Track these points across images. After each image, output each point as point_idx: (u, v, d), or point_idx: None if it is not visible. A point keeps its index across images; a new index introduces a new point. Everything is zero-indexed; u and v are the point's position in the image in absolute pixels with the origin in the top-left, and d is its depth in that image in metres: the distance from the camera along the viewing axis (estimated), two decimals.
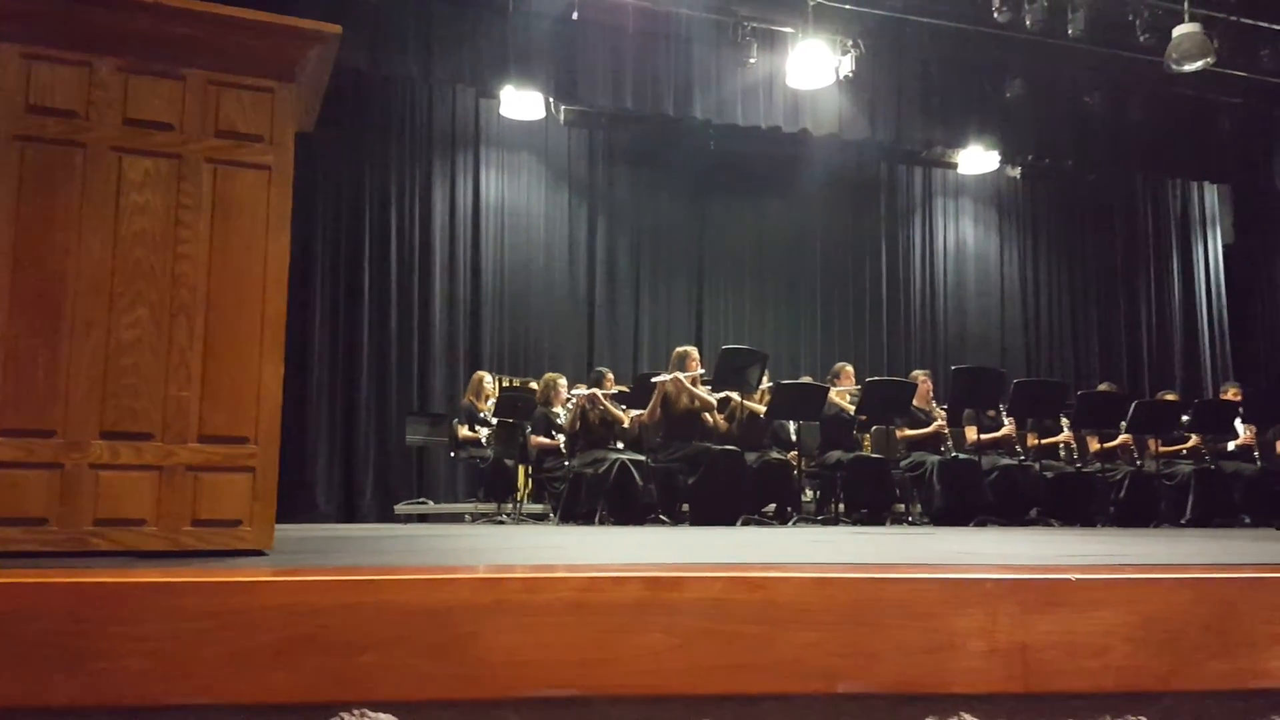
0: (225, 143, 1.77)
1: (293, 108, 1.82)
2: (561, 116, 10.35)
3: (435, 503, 8.80)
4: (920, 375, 7.95)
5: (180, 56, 1.77)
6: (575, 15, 8.48)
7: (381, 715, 1.10)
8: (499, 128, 10.22)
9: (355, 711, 1.10)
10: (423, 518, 8.39)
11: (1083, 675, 1.18)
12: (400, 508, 8.47)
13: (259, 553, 1.73)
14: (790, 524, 6.58)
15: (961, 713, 1.18)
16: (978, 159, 11.21)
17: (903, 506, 7.67)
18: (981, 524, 6.79)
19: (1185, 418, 8.10)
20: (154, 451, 1.71)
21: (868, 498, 7.22)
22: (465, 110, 10.17)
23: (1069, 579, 1.19)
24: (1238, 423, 8.24)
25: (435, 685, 1.11)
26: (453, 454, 8.50)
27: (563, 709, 1.13)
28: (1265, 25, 9.01)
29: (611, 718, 1.14)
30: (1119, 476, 7.82)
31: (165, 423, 1.72)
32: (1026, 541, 2.95)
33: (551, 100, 9.81)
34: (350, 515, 8.96)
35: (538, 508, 8.21)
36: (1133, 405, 7.79)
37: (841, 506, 7.22)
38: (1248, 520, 7.55)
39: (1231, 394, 8.54)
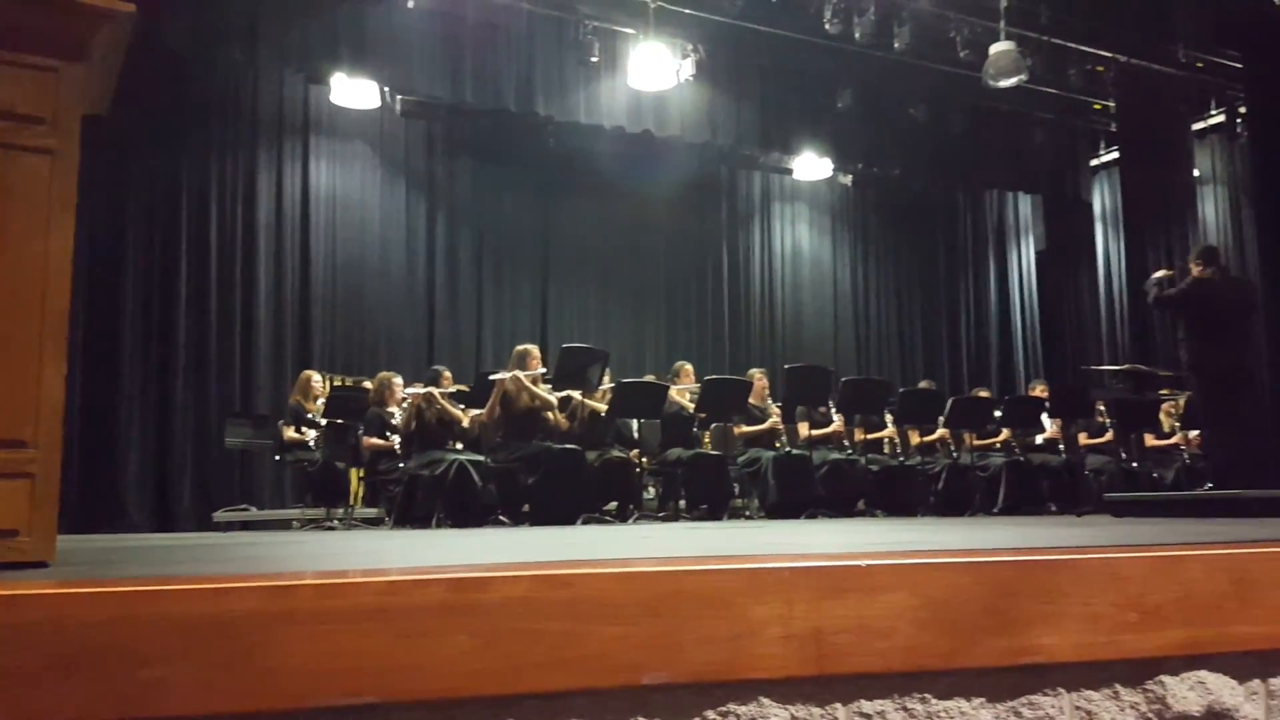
0: (2, 124, 1.64)
1: (80, 89, 1.71)
2: (398, 107, 10.09)
3: (259, 509, 8.43)
4: (756, 373, 8.17)
5: None
6: (410, 3, 8.31)
7: None
8: (330, 116, 9.88)
9: None
10: (246, 525, 8.02)
11: (873, 657, 1.23)
12: (220, 515, 8.04)
13: (40, 564, 1.62)
14: (631, 521, 6.64)
15: (760, 697, 1.21)
16: (812, 166, 11.62)
17: (741, 501, 7.86)
18: (812, 516, 7.03)
19: (997, 413, 8.62)
20: None
21: (707, 494, 7.37)
22: (294, 96, 9.77)
23: (860, 565, 1.24)
24: (1045, 418, 8.82)
25: (223, 698, 1.06)
26: (278, 457, 8.13)
27: (359, 716, 1.10)
28: (1074, 46, 9.67)
29: None
30: (937, 469, 8.26)
31: None
32: (837, 531, 3.06)
33: (387, 90, 9.57)
34: (166, 524, 8.44)
35: (372, 512, 7.98)
36: (950, 402, 8.23)
37: (683, 503, 7.35)
38: (1054, 508, 8.08)
39: (1039, 391, 9.14)
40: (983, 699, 1.30)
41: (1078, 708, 1.35)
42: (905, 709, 1.26)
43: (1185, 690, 1.40)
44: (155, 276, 8.91)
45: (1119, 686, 1.37)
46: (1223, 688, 1.42)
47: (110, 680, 1.02)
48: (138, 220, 8.88)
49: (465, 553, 2.09)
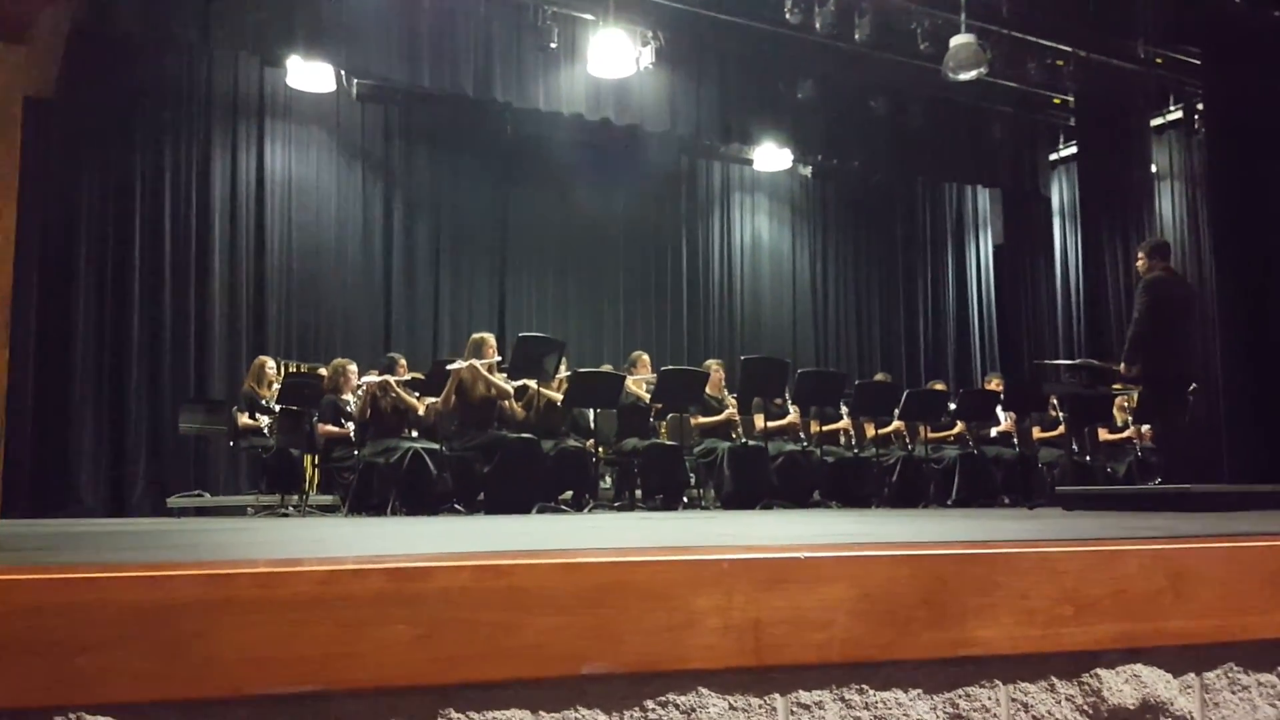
0: None
1: (20, 72, 1.67)
2: (354, 91, 9.99)
3: (214, 495, 8.34)
4: (713, 364, 8.20)
5: None
6: None
7: (100, 719, 1.04)
8: (286, 99, 9.76)
9: (71, 715, 1.04)
10: (200, 511, 7.94)
11: (810, 648, 1.25)
12: (174, 501, 7.97)
13: None
14: (587, 511, 6.65)
15: (699, 688, 1.22)
16: (772, 156, 11.65)
17: (697, 491, 7.90)
18: (768, 507, 7.08)
19: (952, 406, 8.72)
20: None
21: (663, 483, 7.40)
22: (248, 79, 9.64)
23: (799, 557, 1.25)
24: (999, 411, 8.94)
25: (161, 685, 1.05)
26: (232, 443, 8.07)
27: (299, 705, 1.10)
28: (1034, 40, 9.77)
29: (350, 712, 1.11)
30: (892, 461, 8.35)
31: None
32: (787, 523, 3.09)
33: (343, 73, 9.46)
34: (120, 510, 8.35)
35: (327, 499, 7.93)
36: (904, 394, 8.32)
37: (638, 493, 7.36)
38: (1007, 500, 8.21)
39: (994, 384, 9.26)
40: (920, 690, 1.32)
41: (1014, 700, 1.37)
42: (843, 699, 1.28)
43: (1121, 684, 1.42)
44: (109, 261, 8.77)
45: (1055, 679, 1.39)
46: (1158, 681, 1.44)
47: (46, 667, 1.02)
48: (91, 204, 8.72)
49: (413, 541, 2.08)
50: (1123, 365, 6.34)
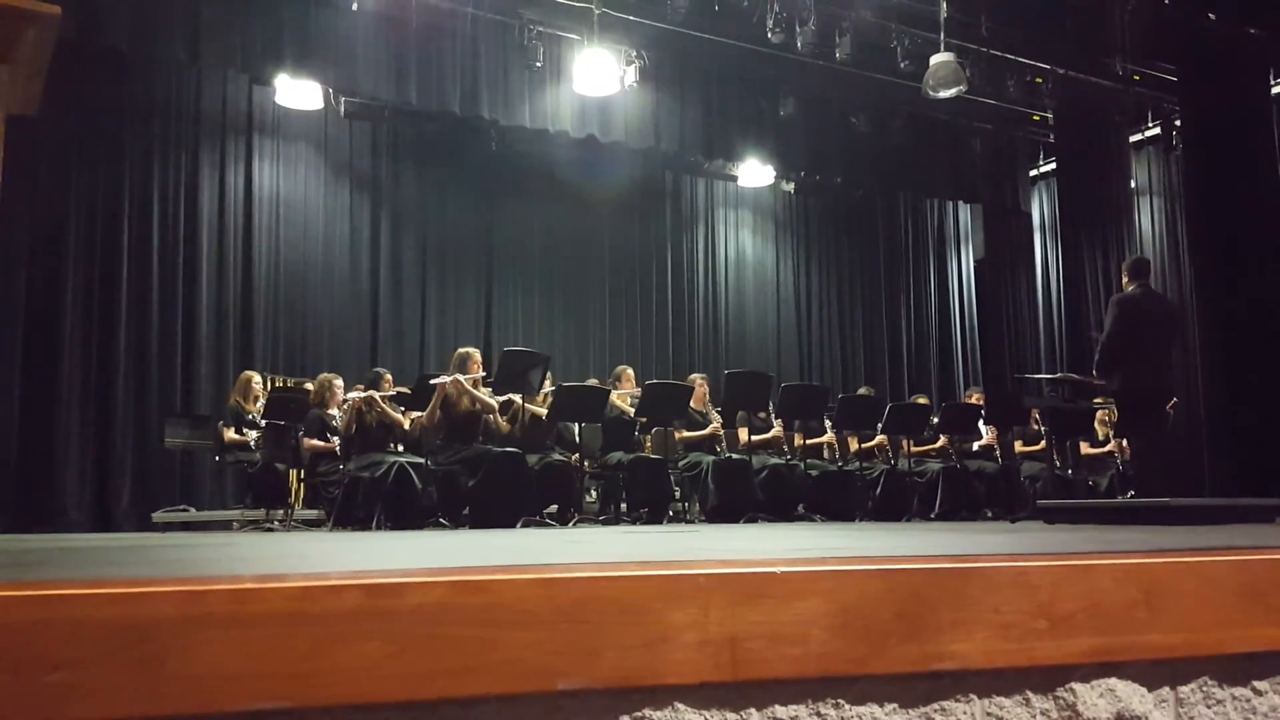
0: None
1: (6, 90, 1.67)
2: (342, 108, 10.01)
3: (199, 510, 8.31)
4: (697, 379, 8.22)
5: None
6: (355, 5, 8.25)
7: None
8: (274, 117, 9.79)
9: None
10: (185, 526, 7.90)
11: (786, 662, 1.25)
12: (159, 516, 7.93)
13: None
14: (571, 525, 6.64)
15: (676, 703, 1.23)
16: (756, 172, 11.70)
17: (682, 505, 7.90)
18: (752, 520, 7.09)
19: (934, 420, 8.76)
20: None
21: (647, 497, 7.39)
22: (237, 96, 9.66)
23: (775, 572, 1.26)
24: (981, 424, 8.98)
25: (133, 703, 1.05)
26: (218, 458, 8.05)
27: None
28: (1013, 58, 9.86)
29: None
30: (876, 474, 8.37)
31: None
32: (768, 537, 3.09)
33: (331, 91, 9.47)
34: (105, 524, 8.31)
35: (312, 514, 7.91)
36: (887, 408, 8.35)
37: (623, 506, 7.36)
38: (990, 514, 8.23)
39: (975, 398, 9.30)
40: (895, 704, 1.32)
41: (989, 714, 1.38)
42: (819, 714, 1.28)
43: (1095, 698, 1.43)
44: (96, 276, 8.76)
45: (1030, 693, 1.40)
46: (1132, 695, 1.45)
47: (16, 685, 1.01)
48: (79, 220, 8.73)
49: (394, 556, 2.08)
50: (1094, 373, 6.41)
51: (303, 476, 7.83)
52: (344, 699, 1.10)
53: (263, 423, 7.64)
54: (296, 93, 9.22)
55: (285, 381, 9.20)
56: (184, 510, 8.14)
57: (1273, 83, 9.49)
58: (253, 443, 7.77)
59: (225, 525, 7.96)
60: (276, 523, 7.44)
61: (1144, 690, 1.46)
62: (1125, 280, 6.47)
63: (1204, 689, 1.50)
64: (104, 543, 4.08)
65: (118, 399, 8.68)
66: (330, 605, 1.11)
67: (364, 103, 9.88)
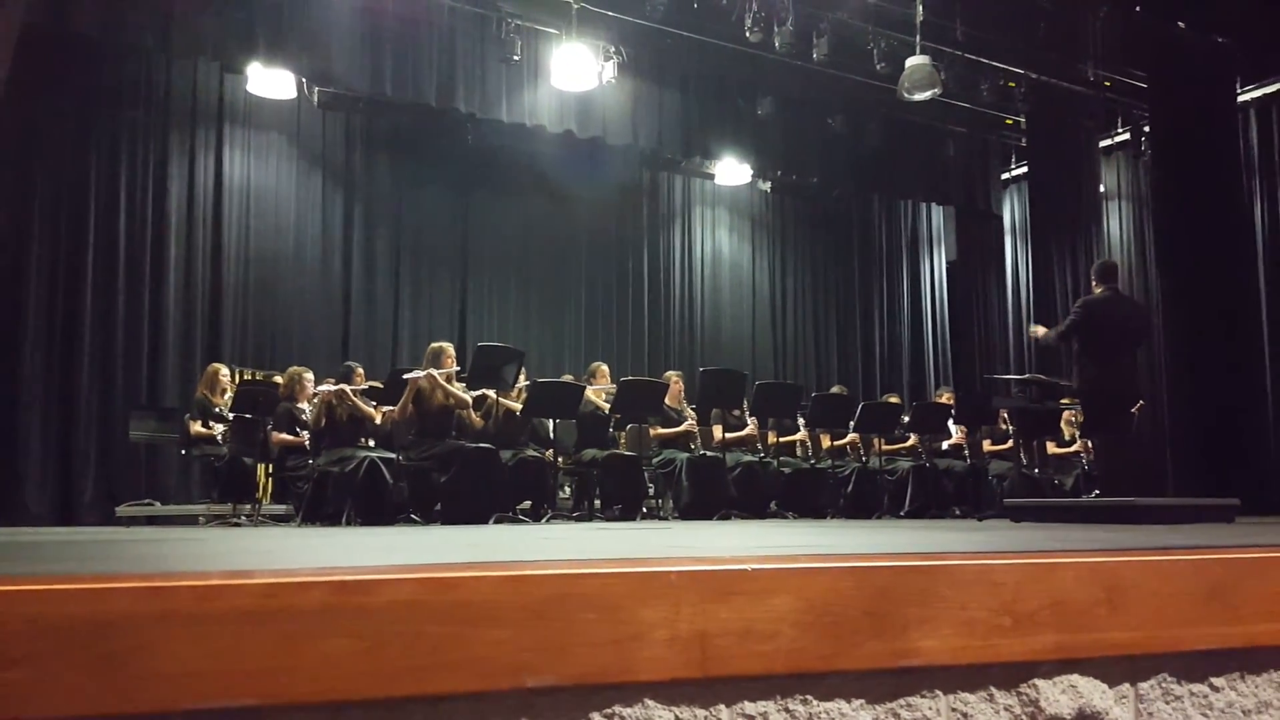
0: None
1: None
2: (315, 98, 9.90)
3: (165, 504, 8.21)
4: (672, 376, 8.23)
5: None
6: None
7: None
8: (246, 105, 9.67)
9: None
10: (150, 520, 7.81)
11: (756, 659, 1.26)
12: (124, 510, 7.81)
13: None
14: (545, 521, 6.64)
15: (646, 699, 1.23)
16: (733, 171, 11.73)
17: (655, 502, 7.91)
18: (725, 517, 7.11)
19: (905, 419, 8.82)
20: None
21: (621, 494, 7.40)
22: (208, 84, 9.53)
23: (745, 569, 1.27)
24: (950, 424, 9.06)
25: (96, 700, 1.04)
26: (184, 451, 7.96)
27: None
28: (986, 61, 9.94)
29: None
30: (847, 472, 8.43)
31: None
32: (740, 534, 3.10)
33: (304, 81, 9.39)
34: (68, 518, 8.19)
35: (280, 509, 7.84)
36: (859, 407, 8.40)
37: (597, 503, 7.36)
38: (958, 512, 8.31)
39: (945, 398, 9.38)
40: (862, 700, 1.34)
41: (954, 709, 1.39)
42: (787, 710, 1.29)
43: (1058, 694, 1.45)
44: (61, 265, 8.63)
45: (994, 689, 1.42)
46: (1094, 691, 1.47)
47: None
48: (44, 207, 8.58)
49: (363, 553, 2.07)
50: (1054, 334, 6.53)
51: (271, 471, 7.76)
52: (312, 697, 1.10)
53: (230, 416, 7.56)
54: (269, 81, 9.12)
55: (254, 374, 9.11)
56: (149, 504, 8.03)
57: (1240, 91, 9.63)
58: (220, 436, 7.68)
59: (191, 520, 7.87)
60: (244, 518, 7.35)
61: (1105, 686, 1.48)
62: (1094, 283, 6.54)
63: (1163, 685, 1.52)
64: (66, 537, 4.04)
65: (82, 390, 8.54)
66: (298, 602, 1.10)
67: (338, 93, 9.79)
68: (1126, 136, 11.15)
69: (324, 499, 6.67)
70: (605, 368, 8.18)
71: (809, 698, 1.30)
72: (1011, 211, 12.59)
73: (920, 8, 8.75)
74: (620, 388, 7.50)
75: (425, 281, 10.73)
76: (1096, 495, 6.50)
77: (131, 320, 8.90)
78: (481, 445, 6.68)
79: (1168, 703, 1.52)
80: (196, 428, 7.68)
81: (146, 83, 9.24)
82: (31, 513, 8.02)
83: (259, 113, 9.76)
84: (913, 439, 9.16)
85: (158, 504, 8.14)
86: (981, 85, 10.07)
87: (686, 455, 7.63)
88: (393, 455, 6.69)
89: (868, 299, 13.12)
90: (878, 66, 9.32)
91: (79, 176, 8.80)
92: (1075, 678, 1.46)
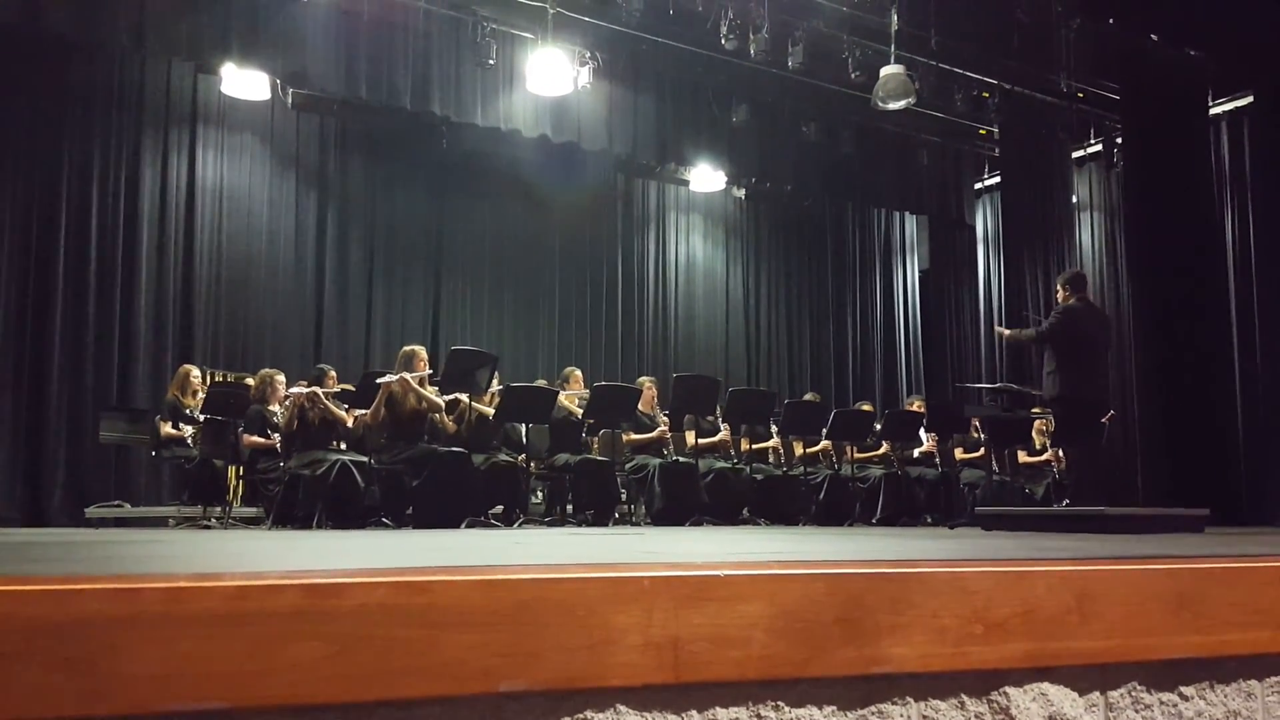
0: None
1: None
2: (289, 100, 9.85)
3: (134, 506, 8.13)
4: (645, 381, 8.23)
5: None
6: None
7: None
8: (220, 106, 9.62)
9: None
10: (120, 522, 7.73)
11: (728, 665, 1.26)
12: (92, 511, 7.74)
13: None
14: (516, 526, 6.61)
15: (618, 705, 1.23)
16: (707, 178, 11.77)
17: (628, 507, 7.90)
18: (697, 523, 7.11)
19: (877, 426, 8.87)
20: None
21: (594, 499, 7.39)
22: (181, 84, 9.48)
23: (718, 575, 1.27)
24: (922, 432, 9.11)
25: (62, 703, 1.02)
26: (155, 453, 7.88)
27: None
28: (960, 72, 10.03)
29: None
30: (819, 479, 8.45)
31: None
32: (712, 540, 3.10)
33: (279, 82, 9.33)
34: (37, 519, 8.10)
35: (251, 511, 7.78)
36: (832, 414, 8.44)
37: (569, 508, 7.34)
38: (929, 520, 8.35)
39: (917, 406, 9.43)
40: (834, 707, 1.34)
41: (925, 716, 1.40)
42: (759, 716, 1.29)
43: (1028, 701, 1.46)
44: (31, 264, 8.56)
45: (965, 697, 1.42)
46: (1064, 699, 1.48)
47: None
48: (15, 207, 8.52)
49: (334, 556, 2.06)
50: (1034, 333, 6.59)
51: (242, 473, 7.71)
52: (282, 700, 1.09)
53: (201, 418, 7.51)
54: (243, 82, 9.07)
55: (225, 376, 9.03)
56: (119, 506, 7.95)
57: (1211, 104, 9.76)
58: (190, 438, 7.62)
59: (161, 522, 7.80)
60: (214, 520, 7.30)
61: (1075, 695, 1.49)
62: (1064, 294, 6.61)
63: (1133, 694, 1.53)
64: (34, 538, 3.99)
65: (51, 390, 8.47)
66: (268, 605, 1.09)
67: (312, 95, 9.74)
68: (1099, 148, 11.27)
69: (295, 502, 6.62)
70: (579, 373, 8.17)
71: (781, 704, 1.31)
72: (984, 221, 12.70)
73: (895, 17, 8.82)
74: (593, 393, 7.49)
75: (399, 285, 10.69)
76: (1067, 504, 6.55)
77: (102, 320, 8.82)
78: (454, 449, 6.65)
79: (1138, 711, 1.53)
80: (167, 429, 7.62)
81: (119, 82, 9.17)
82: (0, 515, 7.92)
83: (233, 114, 9.71)
84: (885, 447, 9.20)
85: (127, 506, 8.07)
86: (955, 95, 10.16)
87: (659, 461, 7.63)
88: (364, 458, 6.65)
89: (841, 307, 13.18)
90: (852, 75, 9.38)
91: (50, 177, 8.73)
92: (1046, 686, 1.47)
